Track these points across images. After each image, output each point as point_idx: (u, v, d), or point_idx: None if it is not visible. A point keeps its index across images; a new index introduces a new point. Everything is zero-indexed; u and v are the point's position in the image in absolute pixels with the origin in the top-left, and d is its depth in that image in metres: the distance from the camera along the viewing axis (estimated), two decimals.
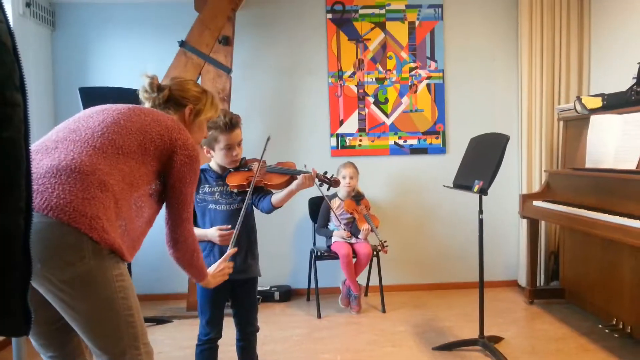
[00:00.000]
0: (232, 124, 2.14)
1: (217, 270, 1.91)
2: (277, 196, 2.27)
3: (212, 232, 2.17)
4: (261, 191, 2.31)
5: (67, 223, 1.28)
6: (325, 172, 2.45)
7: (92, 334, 1.38)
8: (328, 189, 2.46)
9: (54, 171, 1.33)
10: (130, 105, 1.59)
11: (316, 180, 2.32)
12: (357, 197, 3.89)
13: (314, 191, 3.76)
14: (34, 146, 1.43)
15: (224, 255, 1.99)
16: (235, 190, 2.24)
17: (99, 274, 1.34)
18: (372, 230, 3.69)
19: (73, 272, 1.30)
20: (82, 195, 1.31)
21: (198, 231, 2.14)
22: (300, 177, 2.25)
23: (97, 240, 1.31)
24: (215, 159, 2.27)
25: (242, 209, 2.15)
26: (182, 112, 1.73)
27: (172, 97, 1.72)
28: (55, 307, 1.35)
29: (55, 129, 1.51)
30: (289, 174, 2.30)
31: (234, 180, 2.23)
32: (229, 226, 2.15)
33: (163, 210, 1.63)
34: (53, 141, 1.44)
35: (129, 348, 1.41)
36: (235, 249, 2.04)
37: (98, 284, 1.34)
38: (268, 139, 2.29)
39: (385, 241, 3.44)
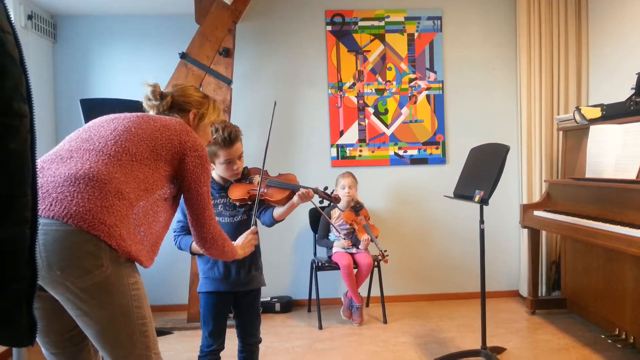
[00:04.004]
0: (230, 138, 2.14)
1: (245, 241, 2.01)
2: (278, 210, 2.27)
3: None
4: (262, 204, 2.30)
5: (87, 230, 1.29)
6: (326, 188, 2.44)
7: (105, 342, 1.38)
8: (329, 205, 2.46)
9: (72, 180, 1.35)
10: (139, 113, 1.62)
11: (316, 196, 2.32)
12: (356, 208, 3.89)
13: (314, 202, 3.78)
14: (47, 156, 1.45)
15: (250, 229, 2.07)
16: (237, 203, 2.25)
17: (116, 282, 1.35)
18: (372, 241, 3.69)
19: (91, 280, 1.31)
20: (100, 204, 1.33)
21: None
22: (301, 192, 2.23)
23: (115, 247, 1.33)
24: (216, 172, 2.27)
25: (252, 224, 2.17)
26: (187, 116, 1.76)
27: (175, 103, 1.75)
28: (71, 314, 1.36)
29: (67, 138, 1.53)
30: (290, 188, 2.28)
31: (235, 194, 2.22)
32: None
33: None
34: (67, 150, 1.45)
35: (141, 357, 1.42)
36: (256, 228, 2.10)
37: (114, 292, 1.36)
38: (275, 103, 2.36)
39: (385, 251, 3.44)
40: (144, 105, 1.76)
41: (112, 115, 1.60)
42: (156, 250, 1.53)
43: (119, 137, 1.48)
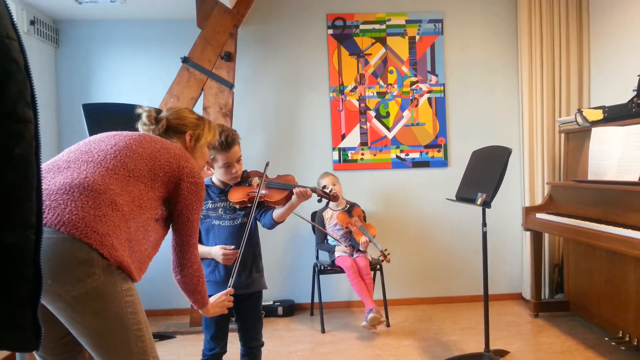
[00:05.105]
0: (227, 142, 2.14)
1: (218, 300, 1.92)
2: (278, 211, 2.27)
3: (216, 251, 2.17)
4: (262, 206, 2.31)
5: (79, 238, 1.29)
6: (324, 187, 2.46)
7: (101, 349, 1.38)
8: (327, 204, 2.47)
9: (66, 188, 1.35)
10: (141, 132, 1.65)
11: (315, 195, 2.32)
12: (349, 209, 3.87)
13: (316, 206, 3.77)
14: (44, 165, 1.46)
15: (225, 290, 1.97)
16: (237, 206, 2.25)
17: (109, 289, 1.35)
18: (370, 242, 3.67)
19: (83, 288, 1.31)
20: (94, 213, 1.34)
21: (202, 248, 2.14)
22: (298, 191, 2.23)
23: (107, 256, 1.32)
24: (216, 176, 2.28)
25: (245, 232, 2.14)
26: (183, 138, 1.77)
27: (170, 125, 1.76)
28: (64, 323, 1.35)
29: (67, 150, 1.55)
30: (289, 189, 2.29)
31: (235, 197, 2.23)
32: (233, 246, 2.15)
33: (168, 237, 1.65)
34: (65, 161, 1.47)
35: None
36: (232, 290, 1.99)
37: (107, 299, 1.35)
38: (267, 164, 2.32)
39: (385, 250, 3.42)
40: (140, 130, 1.75)
41: (113, 132, 1.61)
42: (144, 268, 1.53)
43: (119, 153, 1.49)
